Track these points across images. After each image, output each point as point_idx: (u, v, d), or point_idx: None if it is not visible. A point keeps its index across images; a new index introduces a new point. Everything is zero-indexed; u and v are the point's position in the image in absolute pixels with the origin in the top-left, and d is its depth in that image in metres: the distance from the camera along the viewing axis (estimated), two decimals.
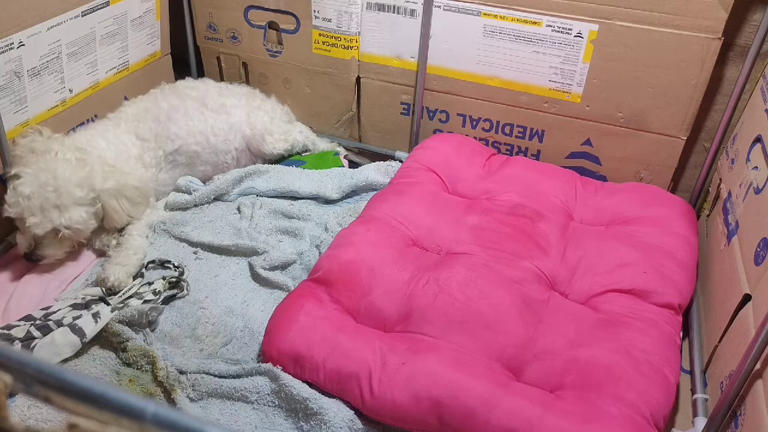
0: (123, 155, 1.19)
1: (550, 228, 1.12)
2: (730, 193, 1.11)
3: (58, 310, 1.01)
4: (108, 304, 1.03)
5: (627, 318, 0.97)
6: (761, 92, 1.09)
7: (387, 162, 1.37)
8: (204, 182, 1.33)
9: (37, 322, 0.98)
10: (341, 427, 0.85)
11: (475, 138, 1.39)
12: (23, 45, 1.12)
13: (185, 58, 1.57)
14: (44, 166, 1.04)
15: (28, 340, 0.95)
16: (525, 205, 1.16)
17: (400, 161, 1.37)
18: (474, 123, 1.39)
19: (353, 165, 1.45)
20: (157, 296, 1.05)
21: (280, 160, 1.42)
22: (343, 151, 1.47)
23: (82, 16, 1.23)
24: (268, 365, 0.92)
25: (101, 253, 1.15)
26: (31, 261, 1.08)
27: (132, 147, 1.22)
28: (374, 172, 1.33)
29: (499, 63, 1.30)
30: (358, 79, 1.43)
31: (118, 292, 1.07)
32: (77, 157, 1.08)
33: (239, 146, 1.35)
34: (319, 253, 1.15)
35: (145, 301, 1.04)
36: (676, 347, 0.95)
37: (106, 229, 1.15)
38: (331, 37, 1.40)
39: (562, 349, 0.92)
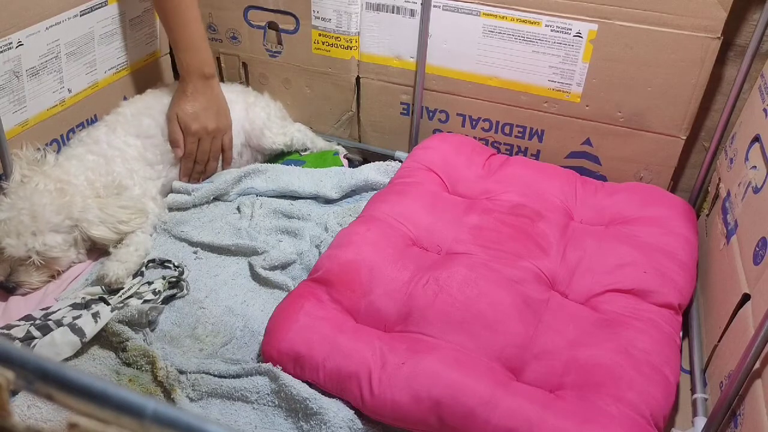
0: (117, 160, 1.19)
1: (550, 228, 1.12)
2: (729, 193, 1.11)
3: (58, 310, 1.01)
4: (108, 303, 1.03)
5: (627, 318, 0.97)
6: (759, 92, 1.10)
7: (387, 162, 1.37)
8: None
9: (37, 322, 0.98)
10: (341, 427, 0.85)
11: (474, 138, 1.39)
12: (22, 45, 1.12)
13: None
14: (23, 195, 1.05)
15: (27, 340, 0.95)
16: (525, 204, 1.16)
17: (400, 161, 1.37)
18: (473, 123, 1.39)
19: (353, 164, 1.45)
20: (157, 296, 1.05)
21: (280, 157, 1.42)
22: (342, 151, 1.47)
23: (81, 15, 1.23)
24: (268, 365, 0.92)
25: (102, 252, 1.15)
26: (7, 290, 1.06)
27: (129, 149, 1.22)
28: (374, 172, 1.33)
29: (498, 63, 1.30)
30: (357, 79, 1.43)
31: (117, 289, 1.06)
32: (57, 187, 1.08)
33: (242, 141, 1.36)
34: (319, 253, 1.15)
35: (145, 301, 1.04)
36: (676, 347, 0.95)
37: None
38: (331, 37, 1.40)
39: (562, 349, 0.92)
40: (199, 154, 1.29)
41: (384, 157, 1.44)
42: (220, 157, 1.33)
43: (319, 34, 1.41)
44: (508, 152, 1.39)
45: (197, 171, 1.31)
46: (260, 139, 1.36)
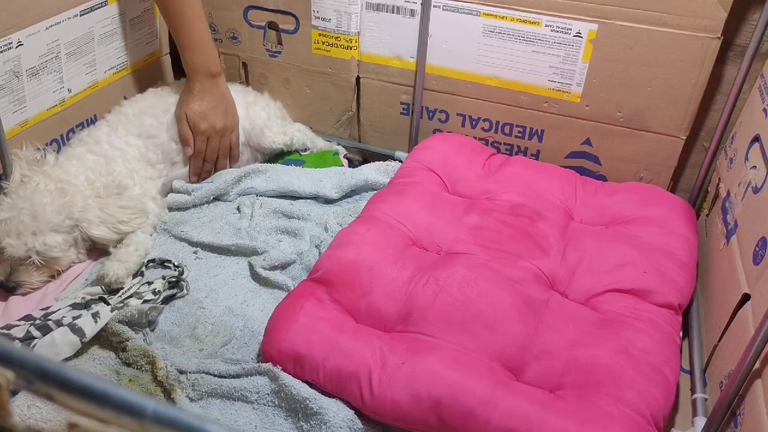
0: (118, 160, 1.18)
1: (550, 228, 1.12)
2: (729, 193, 1.11)
3: (58, 310, 1.01)
4: (108, 303, 1.03)
5: (627, 318, 0.97)
6: (759, 92, 1.10)
7: (387, 162, 1.37)
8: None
9: (37, 322, 0.98)
10: (341, 427, 0.85)
11: (474, 138, 1.39)
12: (22, 44, 1.12)
13: None
14: (23, 195, 1.05)
15: (27, 340, 0.95)
16: (525, 204, 1.16)
17: (400, 161, 1.37)
18: (473, 123, 1.39)
19: (353, 164, 1.45)
20: (157, 296, 1.05)
21: (280, 157, 1.42)
22: (342, 151, 1.47)
23: (80, 15, 1.23)
24: (268, 365, 0.92)
25: (102, 252, 1.15)
26: (7, 290, 1.06)
27: (131, 149, 1.22)
28: (374, 172, 1.33)
29: (498, 63, 1.30)
30: (357, 79, 1.43)
31: (117, 289, 1.06)
32: (57, 187, 1.08)
33: (242, 140, 1.36)
34: (319, 253, 1.15)
35: (145, 301, 1.04)
36: (676, 347, 0.95)
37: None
38: (331, 37, 1.40)
39: (562, 349, 0.92)
40: (208, 153, 1.30)
41: (384, 157, 1.44)
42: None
43: (319, 34, 1.41)
44: (508, 152, 1.39)
45: (206, 170, 1.32)
46: (260, 139, 1.37)
